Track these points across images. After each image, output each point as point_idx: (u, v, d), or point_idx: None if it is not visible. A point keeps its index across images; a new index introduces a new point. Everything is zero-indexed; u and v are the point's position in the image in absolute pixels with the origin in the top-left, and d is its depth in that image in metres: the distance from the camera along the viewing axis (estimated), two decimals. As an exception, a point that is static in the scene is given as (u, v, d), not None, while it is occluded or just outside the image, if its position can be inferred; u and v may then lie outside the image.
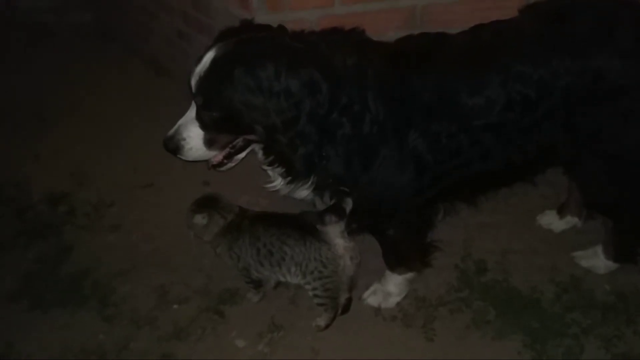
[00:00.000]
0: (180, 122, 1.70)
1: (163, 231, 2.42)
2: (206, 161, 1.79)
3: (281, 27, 1.73)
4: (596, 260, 2.11)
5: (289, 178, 1.74)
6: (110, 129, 3.04)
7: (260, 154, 1.75)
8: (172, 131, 1.70)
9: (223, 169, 1.80)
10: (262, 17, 2.29)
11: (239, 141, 1.74)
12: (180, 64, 3.14)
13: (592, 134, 1.74)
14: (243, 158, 1.80)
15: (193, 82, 1.62)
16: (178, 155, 1.72)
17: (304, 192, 1.79)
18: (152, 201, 2.57)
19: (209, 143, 1.69)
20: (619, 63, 1.63)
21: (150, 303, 2.10)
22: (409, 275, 2.04)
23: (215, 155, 1.75)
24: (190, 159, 1.73)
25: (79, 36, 3.98)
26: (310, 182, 1.74)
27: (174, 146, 1.70)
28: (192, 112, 1.68)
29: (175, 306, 2.09)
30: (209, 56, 1.59)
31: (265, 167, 1.78)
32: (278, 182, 1.79)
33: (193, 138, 1.68)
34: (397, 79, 1.69)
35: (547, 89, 1.66)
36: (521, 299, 2.03)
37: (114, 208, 2.55)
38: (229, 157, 1.77)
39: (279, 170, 1.74)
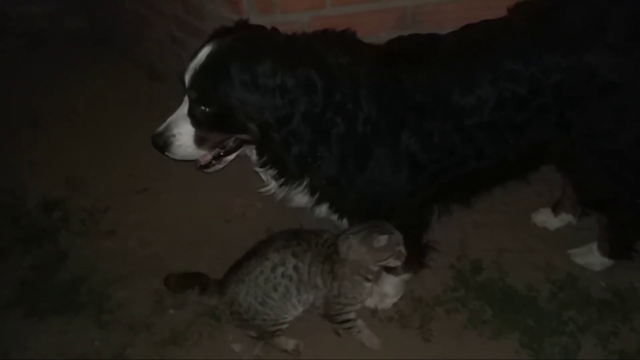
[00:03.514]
0: (171, 118, 1.67)
1: (159, 236, 2.41)
2: (194, 162, 1.76)
3: (274, 30, 1.74)
4: (591, 257, 2.11)
5: (282, 180, 1.73)
6: (105, 135, 3.03)
7: (253, 154, 1.74)
8: (162, 127, 1.67)
9: (210, 170, 1.77)
10: (253, 20, 2.25)
11: (230, 141, 1.71)
12: (174, 68, 3.12)
13: (584, 130, 1.74)
14: (231, 160, 1.78)
15: (187, 77, 1.60)
16: (166, 153, 1.68)
17: (299, 197, 1.79)
18: (147, 206, 2.56)
19: (199, 141, 1.66)
20: (610, 59, 1.63)
21: (147, 309, 2.10)
22: (405, 276, 2.04)
23: (204, 156, 1.73)
24: (178, 157, 1.69)
25: (72, 42, 3.97)
26: (304, 184, 1.73)
27: (162, 142, 1.66)
28: (184, 108, 1.65)
29: (171, 311, 2.09)
30: (204, 51, 1.58)
31: (258, 169, 1.78)
32: (272, 186, 1.79)
33: (183, 135, 1.65)
34: (389, 78, 1.69)
35: (538, 87, 1.66)
36: (517, 298, 2.03)
37: (109, 214, 2.54)
38: (217, 158, 1.74)
39: (272, 172, 1.73)
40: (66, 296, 2.16)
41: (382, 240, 1.71)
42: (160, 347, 1.96)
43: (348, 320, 1.85)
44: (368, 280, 1.80)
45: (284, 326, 1.85)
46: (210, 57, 1.57)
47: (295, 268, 1.77)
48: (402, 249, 1.76)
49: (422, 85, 1.69)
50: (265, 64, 1.53)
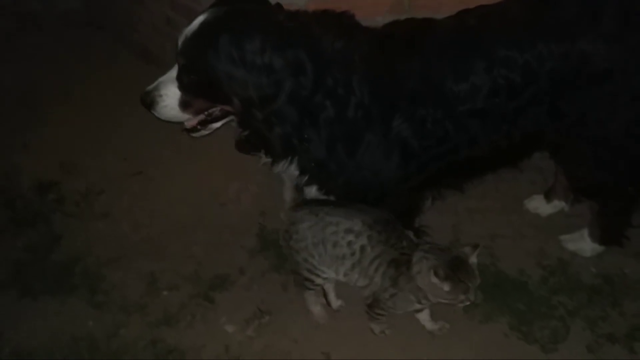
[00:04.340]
0: (161, 78, 1.72)
1: (153, 219, 2.41)
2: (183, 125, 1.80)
3: (278, 5, 1.73)
4: (582, 243, 2.13)
5: (269, 156, 1.75)
6: (99, 118, 3.01)
7: (235, 126, 1.76)
8: (151, 86, 1.72)
9: (196, 135, 1.80)
10: (250, 2, 2.27)
11: (216, 110, 1.74)
12: (169, 51, 3.10)
13: (577, 118, 1.75)
14: (218, 128, 1.81)
15: (180, 41, 1.63)
16: (152, 111, 1.72)
17: (292, 170, 1.80)
18: (141, 189, 2.56)
19: (184, 105, 1.69)
20: (604, 47, 1.64)
21: (140, 290, 2.10)
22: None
23: (190, 120, 1.75)
24: (163, 117, 1.73)
25: (66, 25, 3.93)
26: (294, 164, 1.74)
27: (150, 100, 1.71)
28: (174, 71, 1.68)
29: (165, 293, 2.10)
30: (199, 19, 1.61)
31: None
32: (264, 157, 1.81)
33: (169, 97, 1.68)
34: (383, 63, 1.69)
35: (532, 74, 1.67)
36: (509, 283, 2.04)
37: (103, 196, 2.53)
38: (204, 124, 1.77)
39: (257, 146, 1.76)
40: (60, 277, 2.16)
41: (437, 280, 1.60)
42: (154, 328, 1.97)
43: (382, 315, 1.83)
44: (420, 303, 1.74)
45: (318, 280, 1.81)
46: (202, 26, 1.60)
47: (362, 248, 1.71)
48: (470, 297, 1.63)
49: (416, 71, 1.69)
50: (255, 41, 1.54)
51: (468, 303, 1.66)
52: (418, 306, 1.76)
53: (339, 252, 1.73)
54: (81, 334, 1.96)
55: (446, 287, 1.61)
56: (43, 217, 2.44)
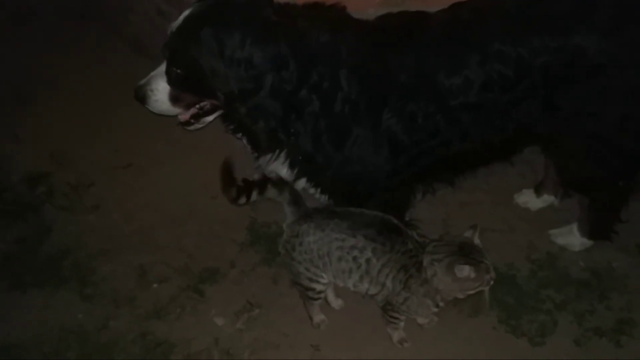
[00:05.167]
0: (153, 73, 1.73)
1: (143, 212, 2.41)
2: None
3: None
4: (571, 237, 2.14)
5: (255, 150, 1.76)
6: (91, 110, 3.00)
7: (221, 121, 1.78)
8: (143, 80, 1.74)
9: (190, 128, 1.82)
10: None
11: (207, 104, 1.75)
12: (161, 43, 3.09)
13: (570, 112, 1.75)
14: (211, 122, 1.82)
15: (168, 35, 1.65)
16: (145, 105, 1.74)
17: (281, 168, 1.79)
18: (132, 181, 2.55)
19: (173, 99, 1.71)
20: (598, 41, 1.63)
21: (130, 283, 2.11)
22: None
23: (183, 113, 1.77)
24: (155, 111, 1.75)
25: (59, 16, 3.90)
26: (281, 158, 1.74)
27: (142, 95, 1.73)
28: (164, 65, 1.70)
29: (155, 285, 2.10)
30: (185, 13, 1.62)
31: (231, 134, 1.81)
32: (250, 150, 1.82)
33: (160, 91, 1.70)
34: (374, 57, 1.68)
35: (526, 68, 1.66)
36: (498, 276, 2.00)
37: (93, 188, 2.52)
38: (196, 117, 1.79)
39: (244, 140, 1.77)
40: (50, 269, 2.16)
41: (465, 271, 1.58)
42: (143, 320, 1.97)
43: (397, 318, 1.81)
44: (437, 306, 1.73)
45: (319, 287, 1.80)
46: (186, 20, 1.60)
47: (368, 261, 1.70)
48: (492, 275, 1.64)
49: (407, 65, 1.68)
50: (235, 35, 1.54)
51: (492, 282, 1.65)
52: (435, 310, 1.75)
53: (344, 266, 1.73)
54: (71, 327, 1.96)
55: (472, 274, 1.60)
56: (33, 209, 2.43)
